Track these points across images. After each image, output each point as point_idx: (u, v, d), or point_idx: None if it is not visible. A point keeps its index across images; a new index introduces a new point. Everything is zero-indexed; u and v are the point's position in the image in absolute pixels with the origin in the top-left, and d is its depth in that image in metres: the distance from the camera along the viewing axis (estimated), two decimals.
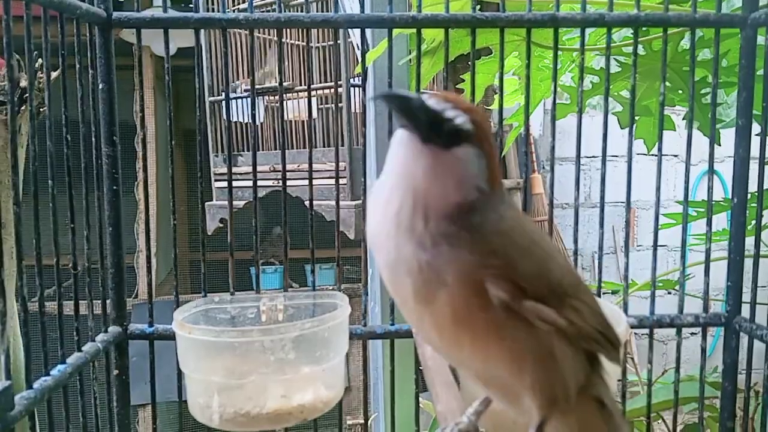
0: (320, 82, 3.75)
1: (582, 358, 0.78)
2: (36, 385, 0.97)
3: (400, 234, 0.74)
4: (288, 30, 3.76)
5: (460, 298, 0.72)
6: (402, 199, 0.74)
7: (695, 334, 1.30)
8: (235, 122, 3.72)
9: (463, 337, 0.75)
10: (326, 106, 3.79)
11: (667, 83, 1.36)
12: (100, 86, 1.20)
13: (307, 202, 1.32)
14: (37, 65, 1.00)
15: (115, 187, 1.23)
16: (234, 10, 3.55)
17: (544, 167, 5.24)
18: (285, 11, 1.24)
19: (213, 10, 3.59)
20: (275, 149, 3.73)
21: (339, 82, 3.15)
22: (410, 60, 1.62)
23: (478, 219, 0.73)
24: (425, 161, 0.73)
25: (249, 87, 1.30)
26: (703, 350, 1.29)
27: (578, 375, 0.77)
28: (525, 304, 0.72)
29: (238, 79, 3.74)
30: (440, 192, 0.73)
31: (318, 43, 3.91)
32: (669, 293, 2.11)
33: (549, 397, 0.77)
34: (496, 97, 1.41)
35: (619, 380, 1.26)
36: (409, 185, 0.74)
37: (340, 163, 2.33)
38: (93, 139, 1.17)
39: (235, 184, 1.29)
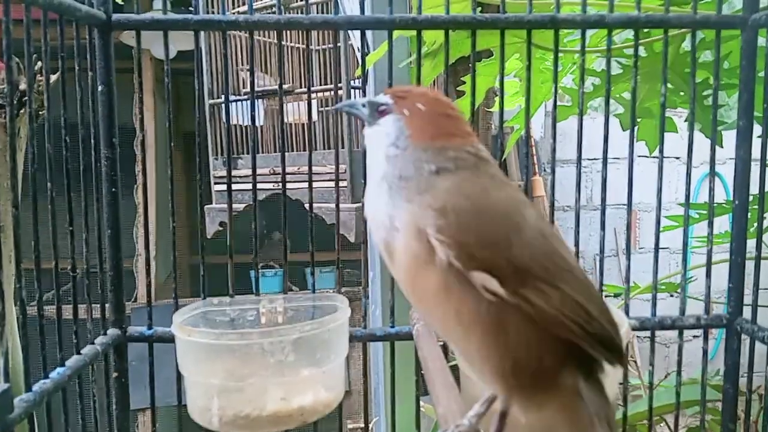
0: (320, 85, 3.75)
1: (552, 343, 0.77)
2: (35, 387, 0.96)
3: (375, 196, 0.85)
4: (288, 33, 3.76)
5: (410, 248, 0.78)
6: (371, 170, 0.88)
7: (697, 337, 1.29)
8: (235, 125, 3.72)
9: (417, 291, 0.81)
10: (326, 108, 3.79)
11: (669, 85, 1.36)
12: (100, 88, 1.20)
13: (307, 205, 1.32)
14: (36, 68, 1.00)
15: (114, 189, 1.23)
16: (234, 13, 3.55)
17: (545, 170, 5.24)
18: (285, 13, 1.23)
19: (213, 13, 3.59)
20: (275, 152, 3.72)
21: (339, 85, 3.15)
22: (411, 62, 1.62)
23: (427, 176, 0.81)
24: (367, 137, 0.91)
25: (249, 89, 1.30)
26: (705, 352, 1.28)
27: (540, 358, 0.77)
28: (473, 273, 0.74)
29: (238, 83, 3.74)
30: (379, 155, 0.86)
31: (318, 45, 3.91)
32: (671, 296, 2.10)
33: (496, 372, 0.78)
34: (497, 99, 1.40)
35: (620, 383, 1.25)
36: (369, 158, 0.90)
37: (341, 166, 2.32)
38: (92, 141, 1.16)
39: (234, 187, 1.29)
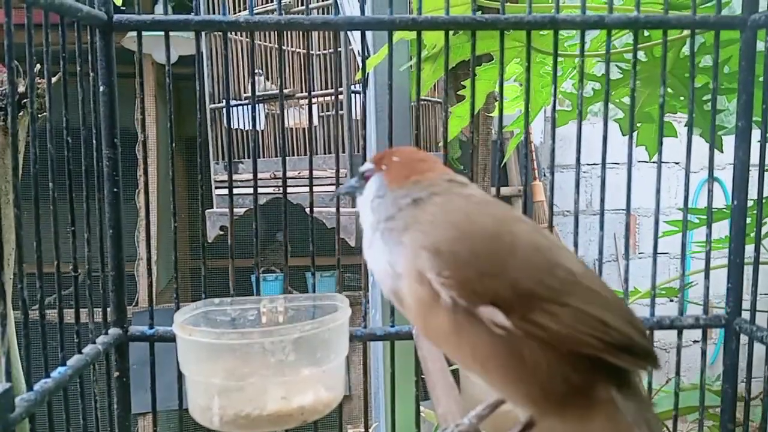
0: (321, 89, 3.75)
1: (575, 361, 0.76)
2: (36, 387, 0.97)
3: (371, 248, 0.89)
4: (288, 38, 3.77)
5: (415, 293, 0.78)
6: (363, 228, 0.93)
7: (697, 342, 1.30)
8: (236, 129, 3.72)
9: (431, 333, 0.81)
10: (327, 113, 3.79)
11: (669, 90, 1.37)
12: (101, 89, 1.20)
13: (307, 209, 1.32)
14: (36, 70, 1.00)
15: (115, 190, 1.23)
16: (234, 15, 3.56)
17: (545, 174, 5.25)
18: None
19: (214, 14, 3.60)
20: (276, 156, 3.73)
21: (339, 89, 3.16)
22: (411, 66, 1.63)
23: (406, 208, 0.85)
24: (358, 205, 0.96)
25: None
26: (703, 352, 1.29)
27: (567, 378, 0.76)
28: (480, 309, 0.74)
29: (238, 87, 3.74)
30: (367, 210, 0.92)
31: (319, 50, 3.92)
32: (671, 301, 2.10)
33: (525, 399, 0.78)
34: (497, 103, 1.41)
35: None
36: (360, 219, 0.95)
37: (341, 170, 2.32)
38: (94, 142, 1.17)
39: (235, 191, 1.29)
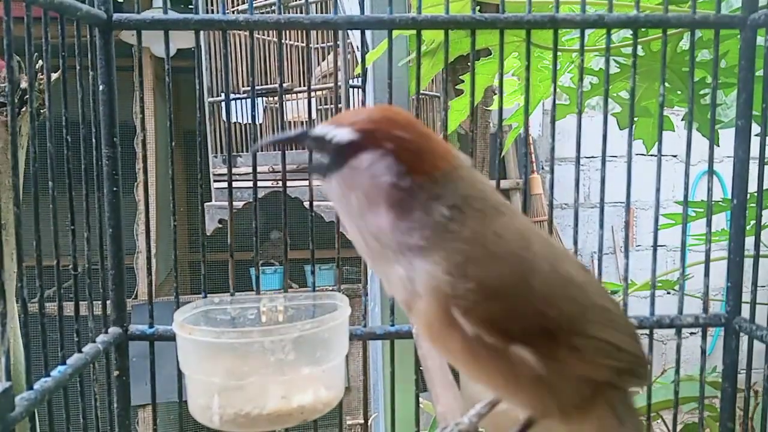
0: (319, 83, 3.75)
1: (585, 382, 0.76)
2: (36, 386, 0.97)
3: (379, 263, 0.75)
4: (288, 31, 3.76)
5: (433, 312, 0.71)
6: (354, 237, 0.75)
7: (694, 333, 1.30)
8: (235, 123, 3.72)
9: (440, 347, 0.76)
10: (325, 107, 3.79)
11: (667, 84, 1.37)
12: (101, 87, 1.20)
13: (306, 203, 1.32)
14: (37, 66, 1.00)
15: (115, 189, 1.23)
16: (234, 11, 3.55)
17: (543, 168, 5.25)
18: (285, 12, 1.23)
19: (213, 11, 3.59)
20: (274, 150, 3.72)
21: (338, 83, 3.15)
22: (410, 61, 1.63)
23: (440, 219, 0.71)
24: (333, 193, 0.75)
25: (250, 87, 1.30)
26: (703, 351, 1.29)
27: (577, 396, 0.76)
28: (511, 347, 0.70)
29: (237, 81, 3.74)
30: (364, 211, 0.73)
31: (317, 44, 3.91)
32: (668, 293, 2.11)
33: (540, 411, 0.77)
34: (496, 97, 1.41)
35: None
36: (345, 222, 0.76)
37: None
38: (93, 140, 1.17)
39: (234, 184, 1.29)
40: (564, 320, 0.72)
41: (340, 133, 0.72)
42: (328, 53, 3.77)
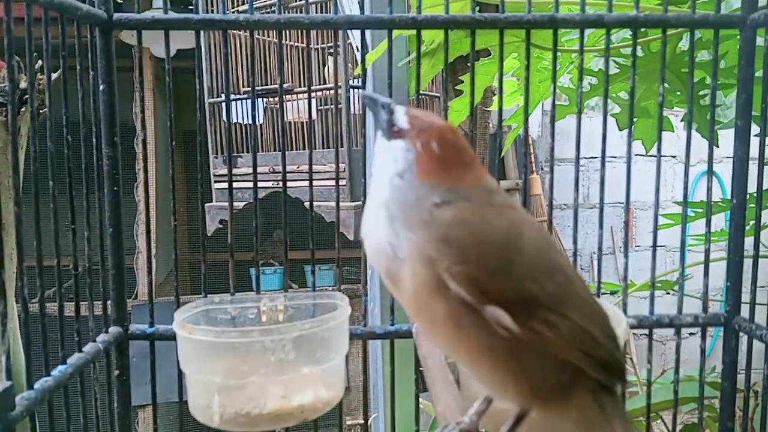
0: (319, 84, 3.75)
1: (560, 363, 0.79)
2: (37, 385, 0.97)
3: (373, 222, 0.85)
4: (288, 32, 3.76)
5: (418, 278, 0.77)
6: (373, 189, 0.88)
7: (694, 334, 1.30)
8: (235, 123, 3.72)
9: (424, 319, 0.82)
10: (326, 107, 3.79)
11: (666, 85, 1.37)
12: (101, 87, 1.20)
13: (306, 204, 1.32)
14: (37, 66, 1.00)
15: (115, 188, 1.23)
16: (234, 11, 3.55)
17: (542, 168, 5.25)
18: (285, 12, 1.24)
19: (213, 12, 3.59)
20: (275, 150, 3.73)
21: (339, 84, 3.15)
22: (410, 61, 1.63)
23: (430, 207, 0.80)
24: (378, 149, 0.89)
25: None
26: (703, 351, 1.29)
27: (556, 376, 0.79)
28: (487, 308, 0.74)
29: (237, 81, 3.74)
30: (383, 179, 0.85)
31: (318, 45, 3.91)
32: (668, 293, 2.11)
33: (516, 393, 0.80)
34: (496, 98, 1.41)
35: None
36: (374, 174, 0.88)
37: (340, 165, 2.32)
38: (93, 140, 1.17)
39: (234, 185, 1.30)
40: (543, 296, 0.76)
41: (402, 119, 0.86)
42: (329, 54, 3.77)
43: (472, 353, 0.79)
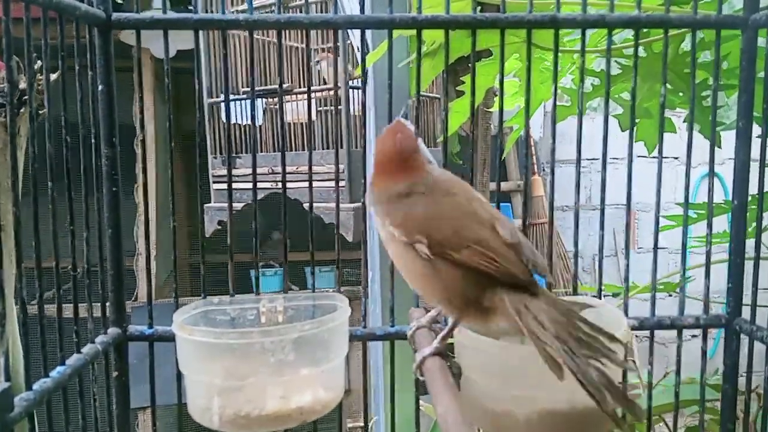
0: (319, 85, 3.75)
1: (475, 278, 1.01)
2: (35, 386, 0.96)
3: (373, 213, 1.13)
4: (287, 32, 3.76)
5: (382, 233, 1.09)
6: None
7: (696, 336, 1.30)
8: (234, 124, 3.72)
9: (391, 257, 1.11)
10: (325, 108, 3.79)
11: (668, 86, 1.36)
12: (100, 88, 1.20)
13: (305, 205, 1.32)
14: (36, 67, 1.00)
15: (114, 189, 1.23)
16: (233, 12, 3.55)
17: (544, 169, 5.25)
18: (284, 12, 1.23)
19: (212, 12, 3.59)
20: (274, 151, 3.72)
21: (338, 84, 3.15)
22: (410, 62, 1.62)
23: (393, 193, 1.09)
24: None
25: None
26: (704, 352, 1.29)
27: (468, 288, 1.02)
28: (415, 244, 1.03)
29: (237, 82, 3.74)
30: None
31: (318, 45, 3.91)
32: (669, 296, 2.11)
33: (443, 301, 1.05)
34: (497, 99, 1.40)
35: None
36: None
37: (339, 166, 2.32)
38: (92, 140, 1.16)
39: (233, 186, 1.29)
40: (448, 243, 1.03)
41: (409, 124, 1.14)
42: (318, 56, 3.77)
43: (411, 276, 1.07)
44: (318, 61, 3.67)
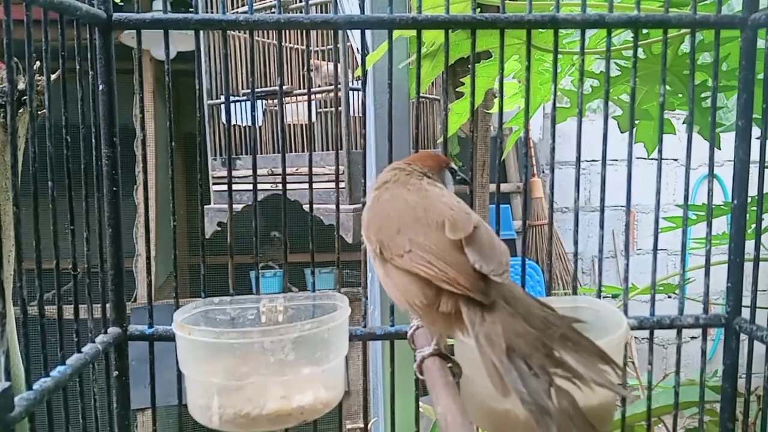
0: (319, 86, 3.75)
1: (425, 283, 0.98)
2: (36, 386, 0.96)
3: None
4: (288, 34, 3.76)
5: (363, 236, 1.11)
6: None
7: (695, 338, 1.30)
8: (234, 125, 3.72)
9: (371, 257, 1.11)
10: (325, 109, 3.79)
11: (667, 87, 1.36)
12: (100, 88, 1.20)
13: (305, 206, 1.32)
14: (36, 67, 1.00)
15: (114, 188, 1.23)
16: (234, 12, 3.55)
17: (543, 171, 5.25)
18: (284, 13, 1.23)
19: (213, 13, 3.59)
20: (274, 152, 3.72)
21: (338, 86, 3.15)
22: (410, 63, 1.62)
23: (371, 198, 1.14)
24: None
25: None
26: (703, 352, 1.29)
27: (421, 292, 0.99)
28: (376, 248, 1.05)
29: (236, 84, 3.74)
30: None
31: (317, 47, 3.91)
32: (669, 297, 2.11)
33: (402, 302, 1.02)
34: (496, 100, 1.40)
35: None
36: None
37: (339, 167, 2.32)
38: (93, 140, 1.17)
39: (233, 187, 1.29)
40: (392, 247, 1.03)
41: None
42: (328, 56, 3.77)
43: (380, 275, 1.06)
44: (311, 70, 3.68)
